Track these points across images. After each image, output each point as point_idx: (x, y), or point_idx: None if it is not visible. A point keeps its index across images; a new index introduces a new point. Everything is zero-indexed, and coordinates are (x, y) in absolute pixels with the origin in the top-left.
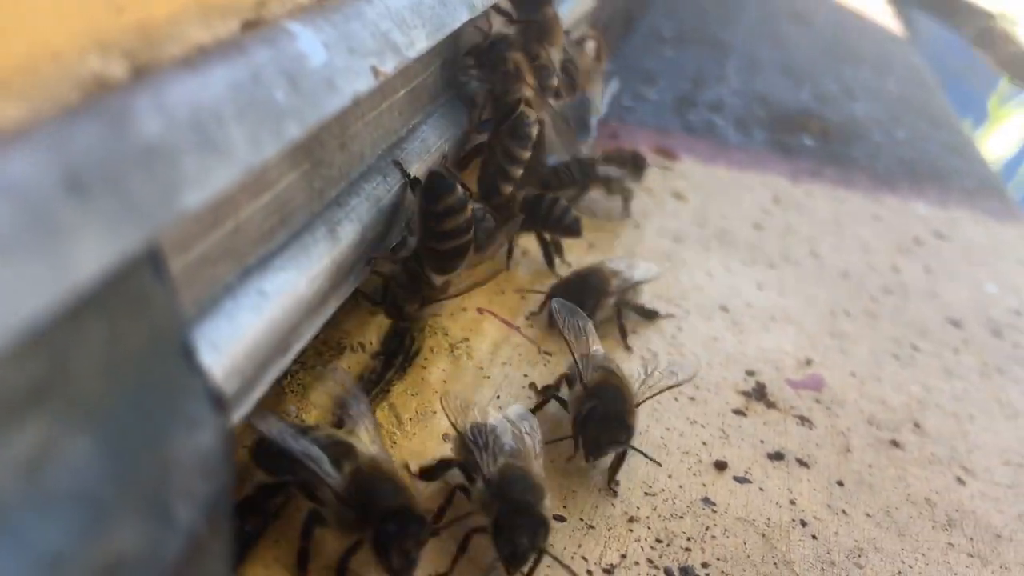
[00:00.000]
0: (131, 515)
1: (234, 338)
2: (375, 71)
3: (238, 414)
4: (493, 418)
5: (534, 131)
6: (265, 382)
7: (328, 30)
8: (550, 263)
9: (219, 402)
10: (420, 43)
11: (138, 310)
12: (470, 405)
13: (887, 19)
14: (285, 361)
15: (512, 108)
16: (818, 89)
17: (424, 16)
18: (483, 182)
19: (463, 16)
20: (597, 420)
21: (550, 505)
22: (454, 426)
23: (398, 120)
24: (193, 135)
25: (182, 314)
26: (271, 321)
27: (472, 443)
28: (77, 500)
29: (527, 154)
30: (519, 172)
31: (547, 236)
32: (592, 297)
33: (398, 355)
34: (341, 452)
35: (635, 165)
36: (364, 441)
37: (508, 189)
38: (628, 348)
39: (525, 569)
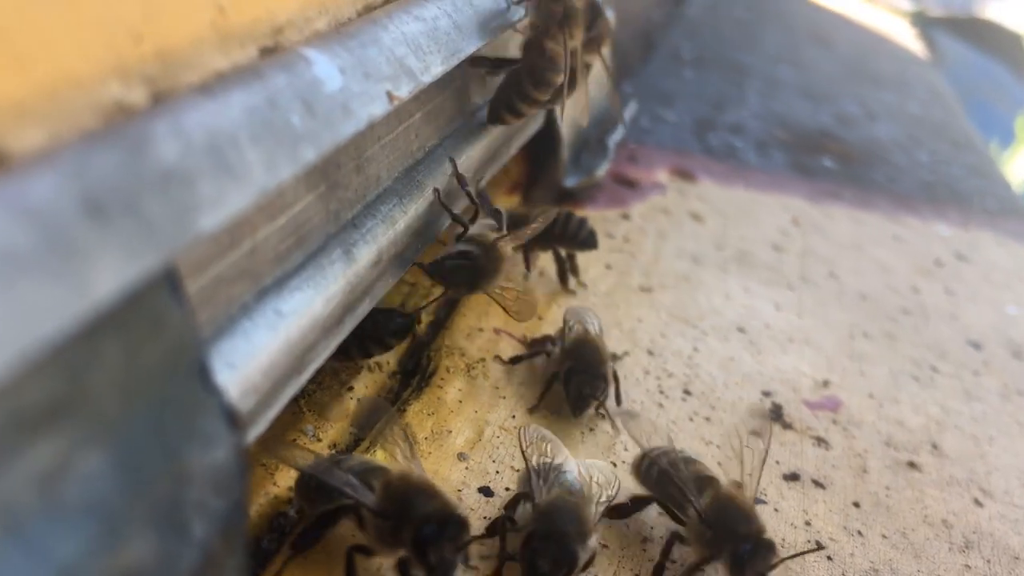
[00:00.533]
0: (145, 529)
1: (250, 356)
2: (390, 96)
3: (255, 431)
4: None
5: (557, 80)
6: (281, 400)
7: (344, 56)
8: (563, 281)
9: (234, 420)
10: (435, 68)
11: (155, 330)
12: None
13: (909, 41)
14: (301, 380)
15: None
16: (839, 111)
17: (439, 42)
18: (493, 103)
19: (477, 42)
20: None
21: (593, 545)
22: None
23: (414, 143)
24: (210, 159)
25: (198, 334)
26: (287, 340)
27: (535, 471)
28: (92, 513)
29: (544, 97)
30: (529, 111)
31: (563, 252)
32: None
33: (415, 375)
34: (374, 475)
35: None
36: (398, 460)
37: (509, 120)
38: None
39: None
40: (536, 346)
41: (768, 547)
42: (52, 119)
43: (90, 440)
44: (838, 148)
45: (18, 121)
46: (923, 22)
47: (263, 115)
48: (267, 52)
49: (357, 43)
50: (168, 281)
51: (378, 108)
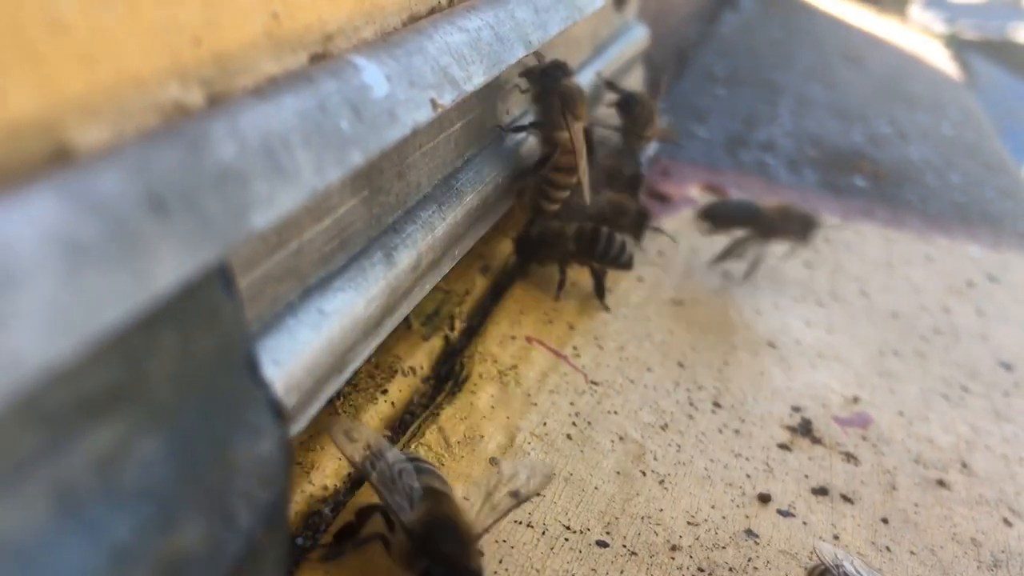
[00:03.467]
0: (196, 516)
1: (295, 354)
2: (434, 103)
3: (296, 428)
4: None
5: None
6: (321, 399)
7: (391, 64)
8: (601, 295)
9: (280, 413)
10: (477, 78)
11: (208, 322)
12: None
13: (943, 63)
14: (341, 379)
15: (554, 147)
16: (871, 131)
17: (482, 52)
18: (530, 202)
19: (519, 52)
20: None
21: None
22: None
23: (453, 151)
24: (263, 160)
25: (248, 328)
26: (329, 339)
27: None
28: (147, 497)
29: (572, 180)
30: (562, 196)
31: (597, 267)
32: None
33: (448, 380)
34: (427, 491)
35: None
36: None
37: (550, 208)
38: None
39: None
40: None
41: None
42: (115, 117)
43: (147, 426)
44: (870, 167)
45: (84, 118)
46: (957, 44)
47: (314, 119)
48: (317, 58)
49: (403, 52)
50: (222, 276)
51: (422, 115)
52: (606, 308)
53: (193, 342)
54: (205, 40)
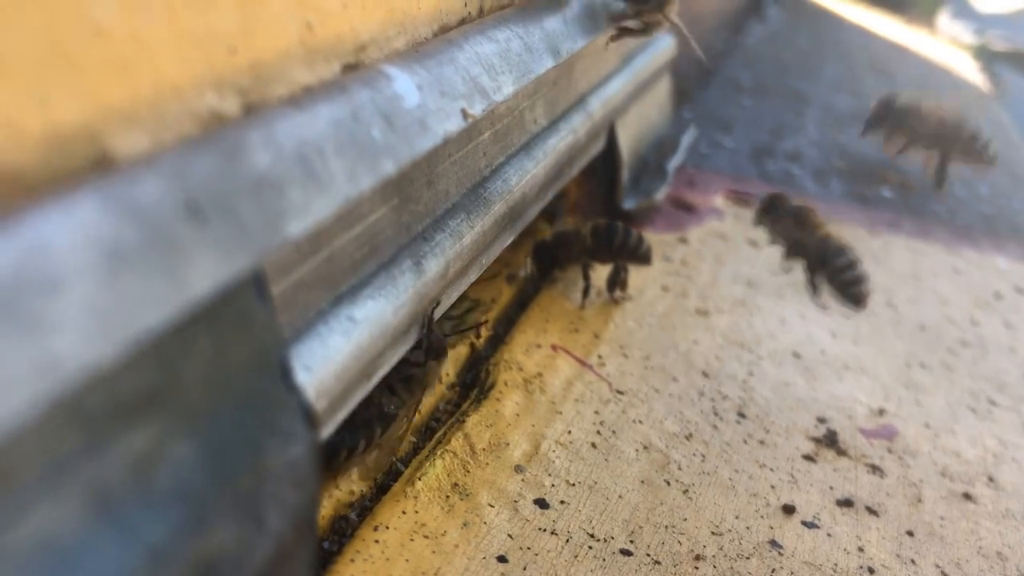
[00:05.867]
0: (228, 518)
1: (325, 360)
2: (464, 113)
3: (325, 432)
4: None
5: None
6: (350, 404)
7: (422, 73)
8: (611, 289)
9: (311, 418)
10: (507, 88)
11: (242, 328)
12: None
13: (972, 75)
14: (369, 385)
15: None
16: None
17: (511, 63)
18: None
19: (548, 63)
20: None
21: None
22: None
23: (482, 160)
24: (298, 167)
25: (282, 334)
26: (359, 346)
27: None
28: (181, 500)
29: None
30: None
31: (619, 264)
32: None
33: (474, 387)
34: None
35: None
36: None
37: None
38: None
39: None
40: None
41: None
42: (154, 125)
43: (181, 430)
44: (897, 178)
45: (123, 125)
46: (986, 56)
47: (347, 128)
48: (349, 68)
49: (434, 62)
50: (256, 282)
51: (453, 124)
52: (620, 299)
53: (227, 347)
54: (241, 49)
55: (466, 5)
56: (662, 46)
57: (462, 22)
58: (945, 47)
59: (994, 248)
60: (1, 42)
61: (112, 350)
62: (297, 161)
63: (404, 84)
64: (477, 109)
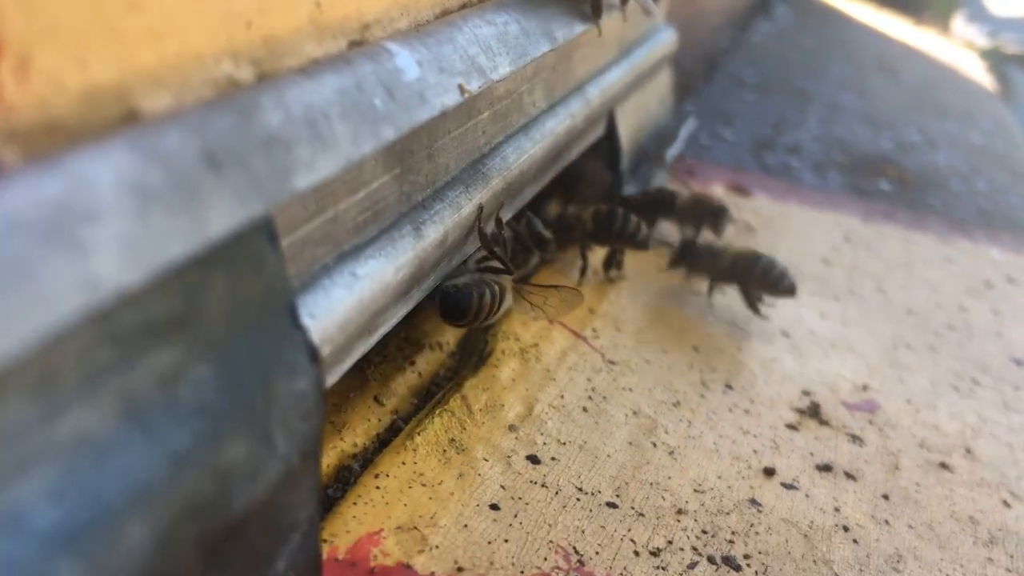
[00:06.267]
0: (241, 435)
1: (328, 311)
2: (461, 88)
3: (328, 381)
4: None
5: None
6: (353, 356)
7: (422, 51)
8: (607, 268)
9: (315, 355)
10: (503, 68)
11: (254, 269)
12: None
13: (979, 75)
14: (371, 341)
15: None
16: (899, 138)
17: (508, 45)
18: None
19: (544, 47)
20: None
21: None
22: None
23: (481, 138)
24: (306, 129)
25: (289, 278)
26: (360, 300)
27: None
28: (200, 414)
29: None
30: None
31: (616, 247)
32: None
33: (472, 355)
34: None
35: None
36: None
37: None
38: None
39: None
40: None
41: None
42: (177, 88)
43: (201, 353)
44: (896, 173)
45: (150, 86)
46: (997, 58)
47: (351, 96)
48: (355, 45)
49: (434, 41)
50: (267, 230)
51: (450, 98)
52: (615, 279)
53: (241, 285)
54: (256, 23)
55: None
56: (663, 39)
57: (463, 6)
58: (955, 48)
59: (988, 240)
60: (53, 11)
61: (141, 276)
62: (305, 123)
63: (405, 59)
64: (474, 85)
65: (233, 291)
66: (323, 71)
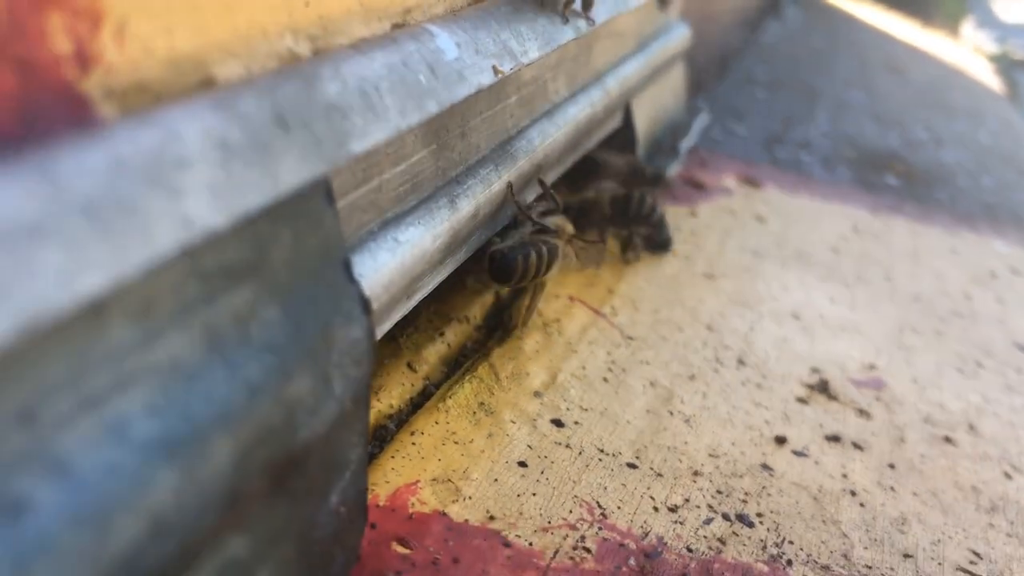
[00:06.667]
0: (304, 373)
1: (374, 271)
2: (495, 69)
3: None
4: None
5: None
6: (392, 318)
7: (460, 34)
8: (623, 251)
9: (367, 307)
10: (532, 53)
11: (315, 225)
12: None
13: (987, 76)
14: (409, 305)
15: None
16: (907, 135)
17: (537, 32)
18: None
19: (569, 35)
20: None
21: None
22: None
23: (509, 121)
24: (359, 99)
25: (343, 235)
26: (402, 264)
27: None
28: (270, 350)
29: None
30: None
31: (632, 230)
32: None
33: (498, 328)
34: None
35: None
36: None
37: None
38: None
39: None
40: None
41: None
42: (246, 59)
43: (269, 297)
44: (903, 168)
45: (224, 56)
46: (1006, 63)
47: (399, 71)
48: (397, 27)
49: (470, 25)
50: (326, 190)
51: (486, 78)
52: (627, 262)
53: (303, 238)
54: (313, 3)
55: None
56: (677, 35)
57: None
58: (963, 51)
59: (993, 232)
60: None
61: (225, 220)
62: (359, 94)
63: (445, 41)
64: (506, 67)
65: (296, 243)
66: (373, 48)
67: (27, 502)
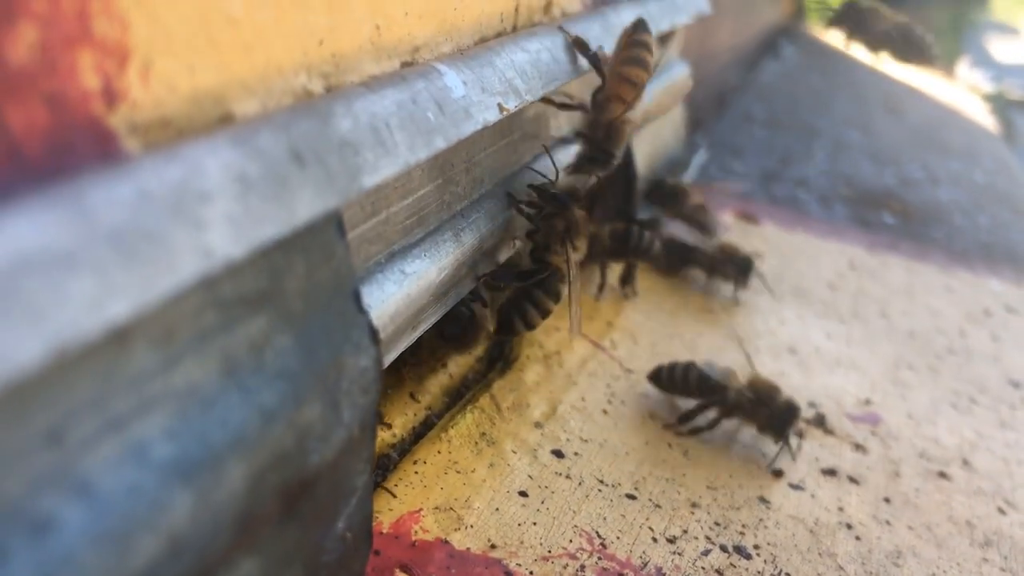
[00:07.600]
0: (315, 400)
1: (381, 302)
2: (500, 107)
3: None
4: None
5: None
6: (397, 349)
7: (467, 72)
8: (623, 284)
9: (376, 337)
10: (536, 91)
11: (327, 256)
12: None
13: (983, 117)
14: (413, 336)
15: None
16: (903, 174)
17: (541, 70)
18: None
19: (572, 74)
20: None
21: None
22: None
23: (512, 157)
24: (370, 135)
25: (354, 267)
26: (408, 296)
27: None
28: (283, 378)
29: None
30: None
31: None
32: None
33: (499, 359)
34: None
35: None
36: None
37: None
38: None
39: None
40: None
41: None
42: (263, 95)
43: (283, 326)
44: (899, 206)
45: (242, 93)
46: (1001, 102)
47: (408, 108)
48: (406, 65)
49: (476, 64)
50: (337, 223)
51: (491, 115)
52: (626, 296)
53: (316, 269)
54: (327, 41)
55: (502, 21)
56: (676, 74)
57: (499, 35)
58: (959, 91)
59: (988, 271)
60: (171, 25)
61: (243, 251)
62: (370, 130)
63: (452, 79)
64: (511, 104)
65: (309, 274)
66: (383, 85)
67: (53, 521)
